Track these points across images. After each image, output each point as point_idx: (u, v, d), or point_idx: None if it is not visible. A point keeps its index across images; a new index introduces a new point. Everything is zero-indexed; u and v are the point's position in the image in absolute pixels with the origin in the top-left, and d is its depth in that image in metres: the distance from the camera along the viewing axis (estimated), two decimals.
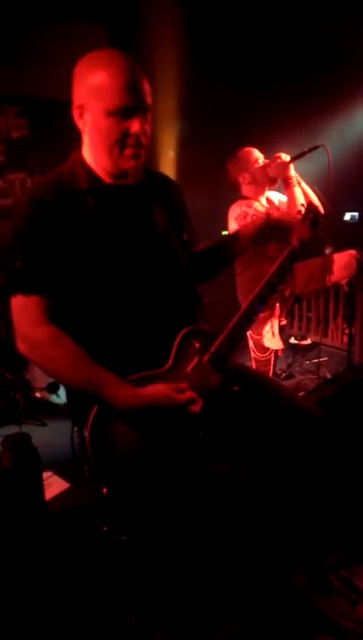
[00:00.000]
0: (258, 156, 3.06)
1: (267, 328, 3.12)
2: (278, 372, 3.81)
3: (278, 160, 2.90)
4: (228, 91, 5.11)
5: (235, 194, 3.16)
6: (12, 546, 1.89)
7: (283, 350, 3.43)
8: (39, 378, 3.70)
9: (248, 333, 3.17)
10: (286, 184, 2.93)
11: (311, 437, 1.63)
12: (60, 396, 3.63)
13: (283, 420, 1.62)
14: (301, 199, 2.90)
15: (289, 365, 4.13)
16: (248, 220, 2.84)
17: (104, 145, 1.47)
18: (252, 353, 3.22)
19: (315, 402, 2.41)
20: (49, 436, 2.96)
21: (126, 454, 1.44)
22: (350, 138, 5.16)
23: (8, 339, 2.05)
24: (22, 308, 1.45)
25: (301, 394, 3.21)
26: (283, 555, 1.87)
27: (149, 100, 1.47)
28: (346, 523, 1.92)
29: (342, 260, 3.18)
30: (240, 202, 3.05)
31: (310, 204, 1.80)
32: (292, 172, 2.91)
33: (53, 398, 3.68)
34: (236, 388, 1.55)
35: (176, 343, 1.52)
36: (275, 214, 3.04)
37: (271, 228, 1.78)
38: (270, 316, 3.12)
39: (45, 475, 2.44)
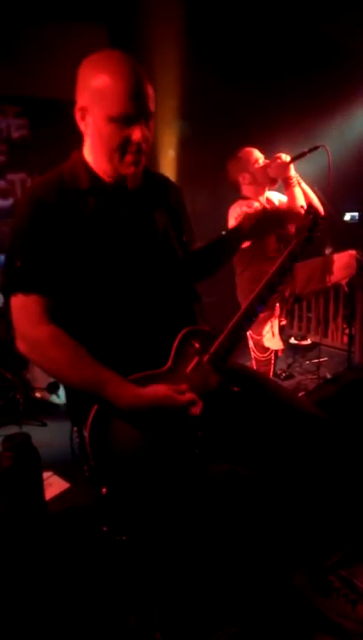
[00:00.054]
0: (258, 156, 3.06)
1: (267, 328, 3.12)
2: (279, 373, 3.81)
3: (279, 160, 2.90)
4: (228, 91, 5.12)
5: (235, 194, 3.16)
6: (12, 545, 1.89)
7: (283, 350, 3.43)
8: (39, 378, 3.70)
9: (248, 333, 3.17)
10: (287, 184, 2.93)
11: (311, 437, 1.63)
12: (60, 396, 3.64)
13: (283, 421, 1.62)
14: (301, 199, 2.90)
15: (289, 365, 4.13)
16: None
17: (105, 150, 1.47)
18: (252, 353, 3.23)
19: (315, 402, 2.41)
20: (49, 436, 2.96)
21: (126, 454, 1.43)
22: (350, 138, 5.16)
23: (8, 339, 2.04)
24: (22, 307, 1.45)
25: (301, 394, 3.21)
26: (283, 555, 1.87)
27: (151, 106, 1.46)
28: (346, 523, 1.92)
29: (342, 261, 3.19)
30: (240, 202, 3.06)
31: (309, 206, 1.80)
32: (292, 172, 2.91)
33: (53, 398, 3.68)
34: (235, 389, 1.56)
35: (176, 343, 1.52)
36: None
37: (267, 219, 1.77)
38: (270, 317, 3.12)
39: (45, 475, 2.44)
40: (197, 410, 1.46)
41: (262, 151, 3.09)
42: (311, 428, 1.64)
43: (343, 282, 3.33)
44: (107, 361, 1.43)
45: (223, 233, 1.77)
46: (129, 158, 1.47)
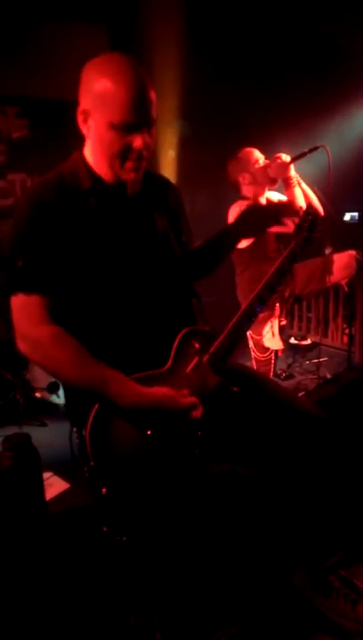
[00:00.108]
0: (258, 156, 3.06)
1: (267, 328, 3.12)
2: (279, 372, 3.82)
3: (279, 160, 2.90)
4: (228, 91, 5.12)
5: (235, 194, 3.16)
6: (13, 546, 1.89)
7: (283, 350, 3.43)
8: (39, 378, 3.70)
9: (248, 333, 3.17)
10: (287, 184, 2.93)
11: (311, 437, 1.63)
12: (60, 397, 3.63)
13: (282, 421, 1.62)
14: (301, 200, 2.90)
15: (289, 365, 4.13)
16: None
17: (105, 155, 1.47)
18: (252, 353, 3.23)
19: (315, 402, 2.41)
20: (49, 437, 2.96)
21: (126, 454, 1.44)
22: (350, 138, 5.15)
23: (8, 339, 2.04)
24: (23, 307, 1.45)
25: (301, 394, 3.21)
26: (283, 555, 1.87)
27: (154, 113, 1.45)
28: (346, 523, 1.92)
29: (341, 261, 3.19)
30: (240, 202, 3.06)
31: (308, 207, 1.80)
32: (292, 172, 2.91)
33: (53, 398, 3.68)
34: (235, 389, 1.56)
35: (176, 343, 1.53)
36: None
37: (261, 214, 1.77)
38: (270, 317, 3.13)
39: (46, 475, 2.44)
40: (198, 413, 1.46)
41: (262, 151, 3.09)
42: (311, 428, 1.64)
43: (343, 282, 3.33)
44: (107, 361, 1.43)
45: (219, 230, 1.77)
46: (129, 165, 1.47)
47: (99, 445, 1.40)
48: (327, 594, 1.74)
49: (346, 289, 3.50)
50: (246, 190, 3.11)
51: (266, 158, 3.04)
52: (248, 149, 3.09)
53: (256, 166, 3.03)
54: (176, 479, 1.49)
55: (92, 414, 1.40)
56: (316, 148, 2.76)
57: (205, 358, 1.54)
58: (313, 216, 1.73)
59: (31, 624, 1.71)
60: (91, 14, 4.58)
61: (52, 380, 3.55)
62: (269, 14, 4.75)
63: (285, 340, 3.73)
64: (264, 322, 3.12)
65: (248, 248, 3.01)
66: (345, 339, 4.17)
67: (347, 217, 4.87)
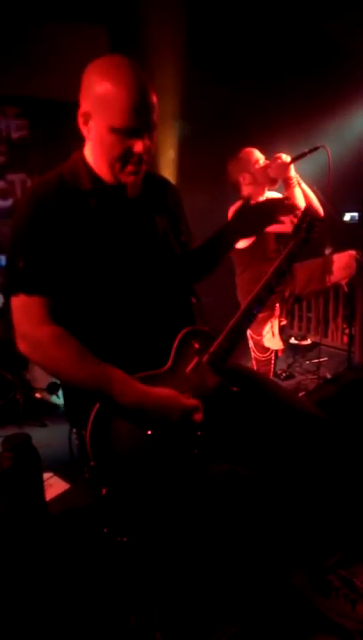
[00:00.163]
0: (259, 156, 3.06)
1: (267, 328, 3.12)
2: (279, 373, 3.82)
3: (279, 161, 2.89)
4: (228, 91, 5.12)
5: (235, 194, 3.16)
6: (13, 546, 1.89)
7: (283, 350, 3.43)
8: (39, 378, 3.70)
9: (248, 334, 3.17)
10: (287, 185, 2.93)
11: (311, 438, 1.63)
12: (60, 397, 3.63)
13: (282, 421, 1.62)
14: (301, 200, 2.90)
15: (289, 365, 4.13)
16: None
17: (106, 158, 1.46)
18: (252, 353, 3.23)
19: (315, 402, 2.41)
20: (49, 437, 2.96)
21: (126, 454, 1.44)
22: (350, 138, 5.16)
23: (8, 339, 2.04)
24: (24, 307, 1.45)
25: (301, 394, 3.21)
26: (283, 555, 1.87)
27: (155, 118, 1.44)
28: (346, 523, 1.92)
29: (341, 261, 3.19)
30: (240, 202, 3.05)
31: (306, 209, 1.80)
32: (292, 172, 2.91)
33: (53, 399, 3.68)
34: (234, 389, 1.56)
35: (176, 344, 1.53)
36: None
37: (256, 212, 1.77)
38: (270, 317, 3.13)
39: (46, 476, 2.44)
40: (199, 416, 1.46)
41: (262, 151, 3.09)
42: (311, 428, 1.65)
43: (343, 282, 3.33)
44: (107, 361, 1.43)
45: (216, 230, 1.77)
46: (130, 168, 1.47)
47: (99, 445, 1.40)
48: (327, 593, 1.74)
49: (346, 289, 3.50)
50: (247, 190, 3.10)
51: (266, 158, 3.04)
52: (248, 149, 3.09)
53: (256, 166, 3.03)
54: (176, 479, 1.49)
55: (93, 414, 1.40)
56: (316, 149, 2.76)
57: (205, 358, 1.54)
58: (311, 217, 1.73)
59: (31, 624, 1.71)
60: (91, 15, 4.59)
61: (52, 380, 3.55)
62: (269, 14, 4.76)
63: (285, 340, 3.72)
64: (264, 322, 3.12)
65: (248, 248, 3.01)
66: (345, 339, 4.17)
67: (347, 217, 4.88)
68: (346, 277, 3.26)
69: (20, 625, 1.71)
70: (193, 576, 1.78)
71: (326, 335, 4.51)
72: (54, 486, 2.62)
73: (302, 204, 2.88)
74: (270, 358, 3.19)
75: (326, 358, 4.06)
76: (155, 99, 1.44)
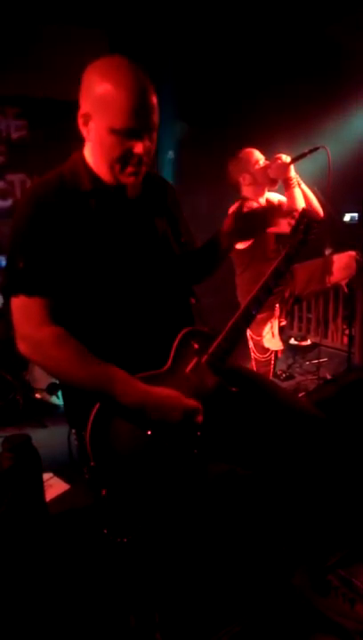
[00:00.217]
0: (259, 157, 3.06)
1: (267, 329, 3.12)
2: (278, 373, 3.82)
3: (279, 161, 2.90)
4: (228, 91, 5.12)
5: (235, 195, 3.16)
6: (13, 546, 1.89)
7: (283, 351, 3.43)
8: (39, 379, 3.70)
9: (248, 334, 3.17)
10: (287, 185, 2.93)
11: (311, 438, 1.63)
12: (60, 398, 3.63)
13: (282, 421, 1.62)
14: (301, 200, 2.90)
15: (289, 366, 4.13)
16: None
17: (106, 159, 1.46)
18: (252, 354, 3.23)
19: (315, 402, 2.41)
20: (49, 438, 2.96)
21: (126, 455, 1.44)
22: (350, 139, 5.15)
23: (8, 339, 2.04)
24: (24, 308, 1.44)
25: (301, 394, 3.21)
26: (283, 555, 1.87)
27: (155, 119, 1.44)
28: (346, 523, 1.92)
29: (341, 261, 3.19)
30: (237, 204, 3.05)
31: (303, 210, 1.79)
32: (292, 173, 2.91)
33: (53, 399, 3.68)
34: (234, 389, 1.56)
35: (175, 344, 1.53)
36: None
37: (250, 218, 1.77)
38: (270, 317, 3.13)
39: (46, 476, 2.44)
40: (200, 418, 1.46)
41: (262, 151, 3.09)
42: (310, 428, 1.65)
43: (343, 282, 3.33)
44: (107, 361, 1.43)
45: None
46: (130, 169, 1.47)
47: (99, 445, 1.40)
48: (326, 593, 1.74)
49: (346, 290, 3.50)
50: (246, 191, 3.11)
51: (266, 159, 3.04)
52: (248, 150, 3.09)
53: (256, 167, 3.03)
54: (175, 480, 1.49)
55: (93, 414, 1.40)
56: (316, 149, 2.77)
57: (204, 359, 1.54)
58: (309, 218, 1.73)
59: (31, 624, 1.71)
60: (91, 15, 4.59)
61: (52, 380, 3.55)
62: (269, 15, 4.76)
63: (285, 340, 3.73)
64: (264, 322, 3.12)
65: (248, 249, 3.01)
66: (345, 339, 4.17)
67: (347, 217, 4.88)
68: (346, 278, 3.27)
69: (21, 625, 1.71)
70: (193, 576, 1.78)
71: (325, 336, 4.51)
72: (54, 487, 2.62)
73: (301, 204, 2.88)
74: (270, 359, 3.19)
75: (325, 359, 4.07)
76: (155, 100, 1.43)
